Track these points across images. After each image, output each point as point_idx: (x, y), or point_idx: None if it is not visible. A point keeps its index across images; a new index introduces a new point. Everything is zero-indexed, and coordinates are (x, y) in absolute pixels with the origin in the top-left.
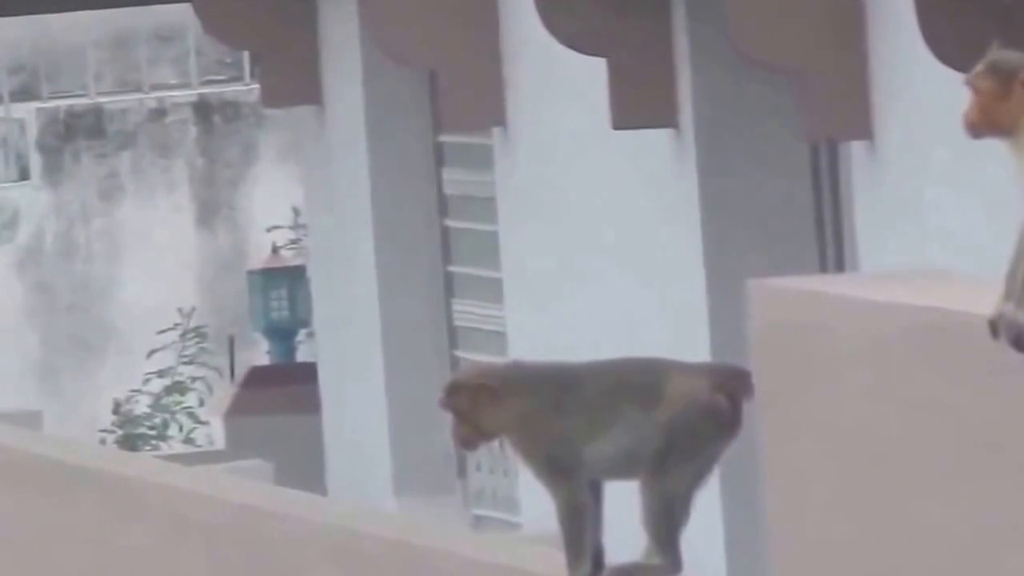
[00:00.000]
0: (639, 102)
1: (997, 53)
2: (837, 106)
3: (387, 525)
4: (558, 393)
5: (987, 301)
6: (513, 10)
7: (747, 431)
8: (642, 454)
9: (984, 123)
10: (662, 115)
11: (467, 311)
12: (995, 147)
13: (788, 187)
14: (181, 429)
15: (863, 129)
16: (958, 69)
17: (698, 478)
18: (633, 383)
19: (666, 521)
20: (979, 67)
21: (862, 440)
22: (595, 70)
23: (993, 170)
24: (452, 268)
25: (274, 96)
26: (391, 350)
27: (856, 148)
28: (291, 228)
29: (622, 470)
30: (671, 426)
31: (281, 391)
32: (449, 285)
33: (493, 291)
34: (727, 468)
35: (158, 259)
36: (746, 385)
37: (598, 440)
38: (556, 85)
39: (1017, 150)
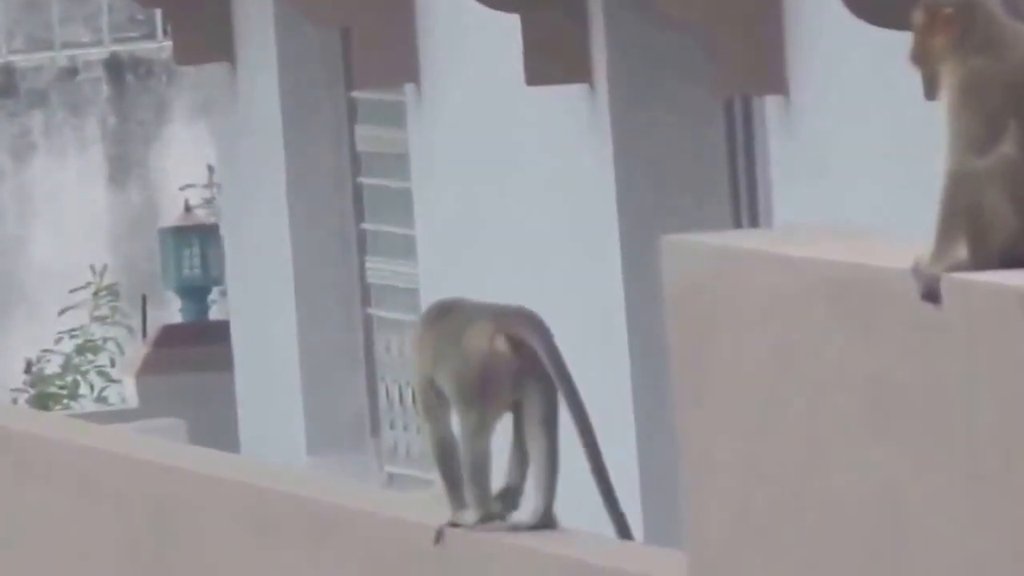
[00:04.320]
0: (553, 58)
1: None
2: (752, 61)
3: (299, 483)
4: (421, 332)
5: (901, 256)
6: None
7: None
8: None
9: (919, 57)
10: (576, 71)
11: (380, 268)
12: (910, 100)
13: (702, 142)
14: (92, 388)
15: (778, 84)
16: (872, 23)
17: (481, 424)
18: (453, 327)
19: (443, 461)
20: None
21: (777, 396)
22: (508, 26)
23: (909, 123)
24: (365, 225)
25: (187, 53)
26: (304, 308)
27: (771, 103)
28: (204, 187)
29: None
30: (460, 372)
31: (194, 350)
32: (362, 242)
33: (406, 248)
34: (642, 423)
35: (70, 218)
36: (531, 327)
37: (438, 381)
38: (469, 41)
39: (943, 82)
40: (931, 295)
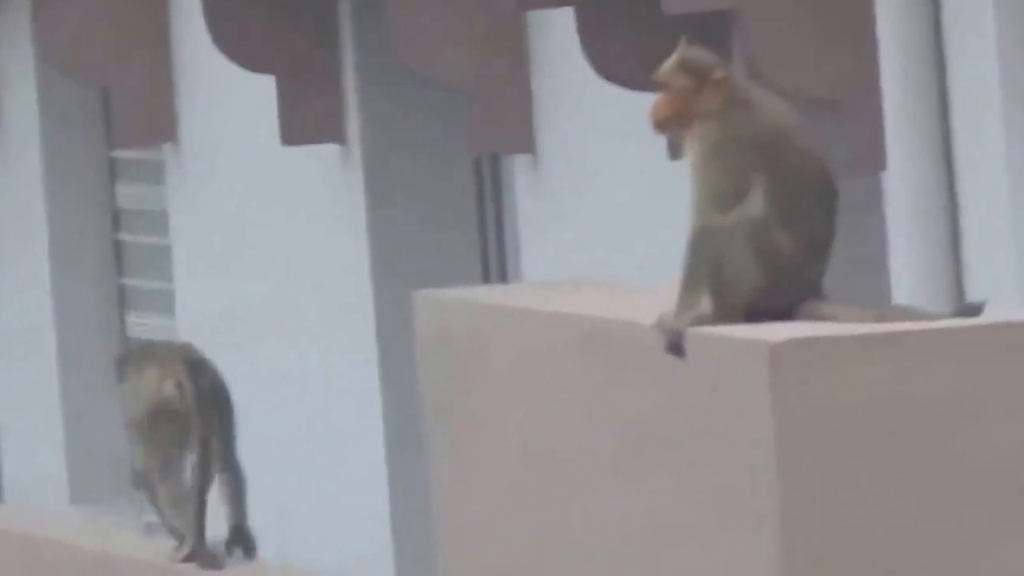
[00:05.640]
0: (307, 118)
1: (687, 50)
2: (500, 121)
3: (64, 530)
4: (119, 381)
5: (645, 309)
6: (184, 27)
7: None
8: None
9: (675, 119)
10: (330, 131)
11: (140, 322)
12: (655, 158)
13: (453, 200)
14: None
15: (526, 143)
16: (618, 84)
17: (167, 463)
18: (133, 374)
19: (144, 489)
20: (670, 64)
21: (531, 443)
22: (264, 86)
23: (653, 181)
24: (125, 280)
25: None
26: (65, 361)
27: (519, 161)
28: None
29: None
30: (139, 415)
31: None
32: (123, 297)
33: (165, 303)
34: (397, 472)
35: None
36: (193, 369)
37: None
38: (226, 101)
39: (689, 143)
40: (675, 348)
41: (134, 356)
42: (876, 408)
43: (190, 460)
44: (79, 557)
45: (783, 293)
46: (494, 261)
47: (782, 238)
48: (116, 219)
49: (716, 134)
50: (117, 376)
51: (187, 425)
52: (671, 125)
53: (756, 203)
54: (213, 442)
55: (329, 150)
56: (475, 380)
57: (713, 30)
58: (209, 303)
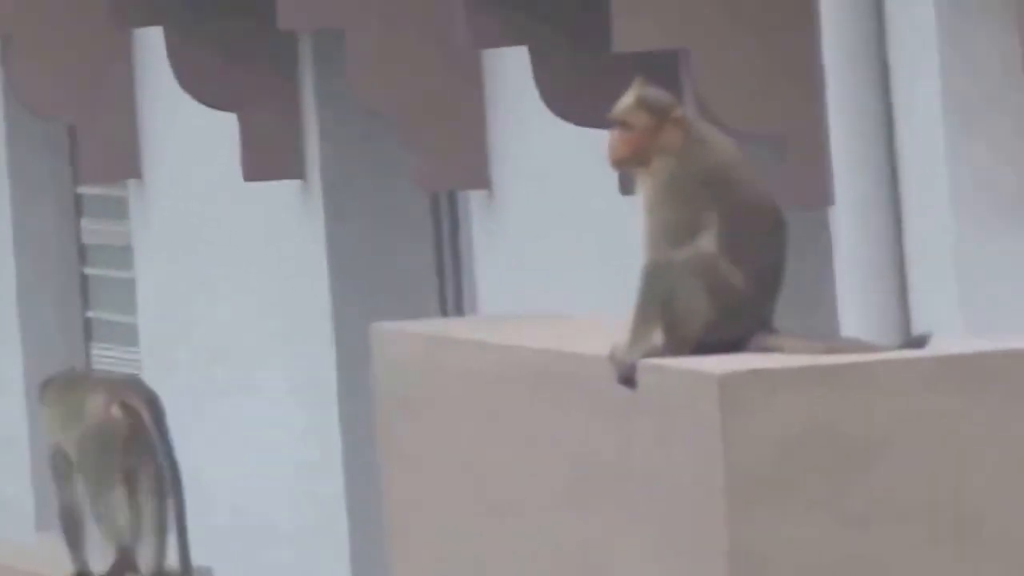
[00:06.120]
0: (269, 155)
1: (644, 89)
2: (456, 157)
3: (26, 559)
4: (45, 405)
5: (597, 342)
6: (148, 66)
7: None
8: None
9: (633, 156)
10: (290, 167)
11: (105, 354)
12: (606, 191)
13: (411, 234)
14: None
15: (480, 178)
16: (570, 120)
17: (105, 486)
18: (75, 397)
19: (67, 527)
20: (629, 102)
21: (477, 474)
22: (226, 123)
23: (606, 216)
24: (91, 313)
25: None
26: (31, 392)
27: (474, 197)
28: None
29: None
30: (81, 438)
31: None
32: (88, 329)
33: (129, 335)
34: (356, 503)
35: None
36: (143, 398)
37: (65, 448)
38: (189, 138)
39: (644, 179)
40: (627, 380)
41: (59, 381)
42: (823, 439)
43: (140, 484)
44: None
45: (735, 327)
46: (451, 294)
47: (734, 273)
48: (82, 254)
49: (675, 170)
50: (39, 398)
51: (131, 450)
52: (630, 163)
53: (709, 239)
54: (177, 465)
55: (290, 185)
56: (429, 411)
57: (662, 68)
58: (172, 335)
